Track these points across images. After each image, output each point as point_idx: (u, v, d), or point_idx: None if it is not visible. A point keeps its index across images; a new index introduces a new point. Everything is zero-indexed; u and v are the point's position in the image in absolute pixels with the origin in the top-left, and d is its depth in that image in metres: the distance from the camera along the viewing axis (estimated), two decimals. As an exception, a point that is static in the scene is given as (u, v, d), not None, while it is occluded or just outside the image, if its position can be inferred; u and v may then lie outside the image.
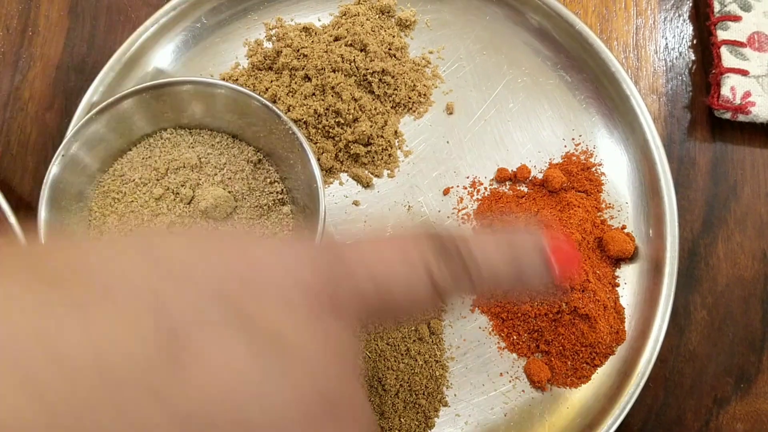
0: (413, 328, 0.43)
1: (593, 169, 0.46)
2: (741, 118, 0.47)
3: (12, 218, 0.43)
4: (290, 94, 0.47)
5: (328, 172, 0.46)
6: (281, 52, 0.47)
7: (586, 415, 0.42)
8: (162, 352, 0.16)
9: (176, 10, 0.47)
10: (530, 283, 0.24)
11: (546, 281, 0.24)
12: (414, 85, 0.48)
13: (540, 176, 0.46)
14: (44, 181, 0.38)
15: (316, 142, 0.46)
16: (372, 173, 0.47)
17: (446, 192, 0.46)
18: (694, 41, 0.50)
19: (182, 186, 0.42)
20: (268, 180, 0.43)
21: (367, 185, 0.47)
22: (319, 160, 0.46)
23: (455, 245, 0.22)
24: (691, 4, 0.51)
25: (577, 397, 0.43)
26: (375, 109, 0.46)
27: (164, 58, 0.48)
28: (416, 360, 0.43)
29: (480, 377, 0.44)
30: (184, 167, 0.42)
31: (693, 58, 0.50)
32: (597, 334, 0.42)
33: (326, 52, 0.46)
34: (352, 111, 0.45)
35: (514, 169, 0.47)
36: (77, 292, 0.16)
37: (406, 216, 0.46)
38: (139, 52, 0.47)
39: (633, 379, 0.42)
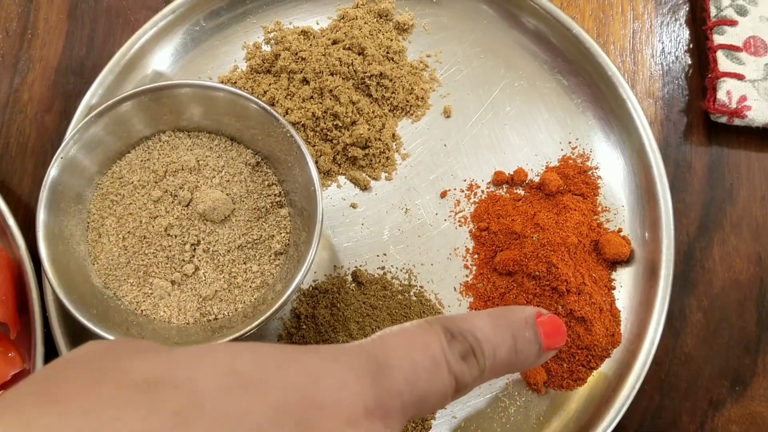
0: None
1: (590, 172, 0.47)
2: (737, 122, 0.47)
3: (11, 220, 0.43)
4: (288, 97, 0.47)
5: (326, 174, 0.47)
6: (279, 55, 0.47)
7: (582, 418, 0.42)
8: None
9: (175, 14, 0.47)
10: (523, 357, 0.28)
11: (537, 353, 0.29)
12: (411, 88, 0.48)
13: (537, 179, 0.47)
14: (43, 183, 0.38)
15: (314, 145, 0.46)
16: (369, 176, 0.47)
17: (443, 195, 0.47)
18: (691, 45, 0.50)
19: (180, 188, 0.42)
20: (266, 183, 0.43)
21: (364, 188, 0.47)
22: (317, 162, 0.46)
23: (465, 338, 0.26)
24: (687, 9, 0.51)
25: (573, 400, 0.43)
26: (373, 112, 0.46)
27: (163, 61, 0.48)
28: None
29: (476, 379, 0.44)
30: (183, 170, 0.42)
31: (689, 62, 0.50)
32: (593, 337, 0.42)
33: (324, 55, 0.46)
34: (350, 114, 0.45)
35: (511, 172, 0.47)
36: (176, 403, 0.19)
37: (403, 219, 0.46)
38: (138, 55, 0.47)
39: (629, 382, 0.42)
